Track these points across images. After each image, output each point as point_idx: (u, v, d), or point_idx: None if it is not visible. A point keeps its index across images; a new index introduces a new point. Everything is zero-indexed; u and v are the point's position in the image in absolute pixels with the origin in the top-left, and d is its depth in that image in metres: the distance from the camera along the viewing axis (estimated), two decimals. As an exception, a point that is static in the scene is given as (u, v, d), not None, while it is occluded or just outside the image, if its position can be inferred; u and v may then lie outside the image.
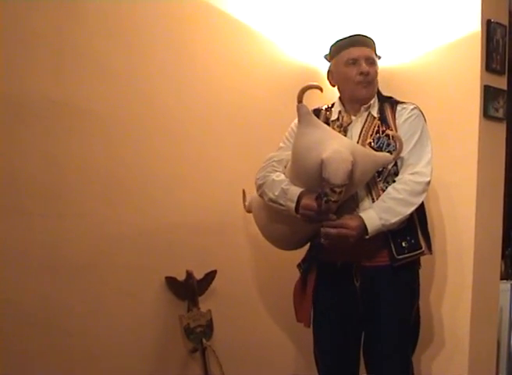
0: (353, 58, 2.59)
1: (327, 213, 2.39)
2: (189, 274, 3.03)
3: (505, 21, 3.17)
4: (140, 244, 2.93)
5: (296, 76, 3.48)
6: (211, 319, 3.07)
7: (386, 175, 2.54)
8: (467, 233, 3.07)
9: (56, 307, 2.69)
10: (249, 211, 3.00)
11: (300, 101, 2.49)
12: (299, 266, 2.75)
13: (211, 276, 3.11)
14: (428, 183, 2.55)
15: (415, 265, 2.66)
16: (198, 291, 3.05)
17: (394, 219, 2.46)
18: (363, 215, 2.45)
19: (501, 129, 3.19)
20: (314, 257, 2.66)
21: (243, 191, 3.07)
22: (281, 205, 2.52)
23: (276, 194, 2.52)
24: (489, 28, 3.07)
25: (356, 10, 3.49)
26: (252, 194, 2.91)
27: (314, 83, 2.59)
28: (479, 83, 3.05)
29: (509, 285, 3.71)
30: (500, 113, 3.13)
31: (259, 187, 2.63)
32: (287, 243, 2.75)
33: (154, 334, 3.00)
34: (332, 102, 2.76)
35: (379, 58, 2.70)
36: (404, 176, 2.53)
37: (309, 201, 2.41)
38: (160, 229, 3.00)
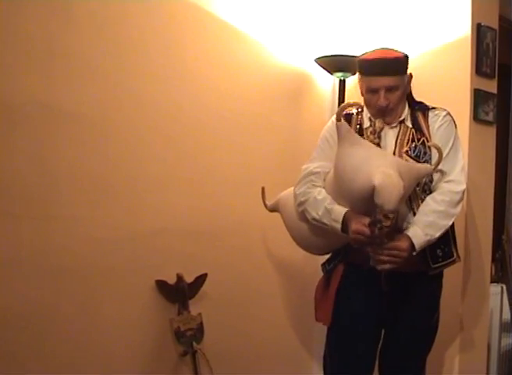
0: (372, 88, 2.52)
1: (381, 238, 2.37)
2: (179, 277, 3.02)
3: (495, 25, 3.19)
4: (130, 247, 2.92)
5: (285, 78, 3.48)
6: (201, 323, 3.06)
7: (423, 184, 2.52)
8: (458, 237, 3.07)
9: (46, 310, 2.68)
10: (273, 210, 2.96)
11: (339, 119, 2.45)
12: (323, 265, 2.73)
13: (201, 279, 3.10)
14: (464, 191, 2.54)
15: (441, 273, 2.66)
16: (189, 294, 3.05)
17: (438, 233, 2.44)
18: (409, 233, 2.42)
19: (491, 132, 3.21)
20: (341, 257, 2.64)
21: (263, 189, 3.02)
22: (325, 224, 2.50)
23: (320, 213, 2.50)
24: (479, 32, 3.08)
25: (346, 14, 3.49)
26: (280, 194, 2.88)
27: (354, 101, 2.56)
28: (469, 87, 3.07)
29: (499, 288, 3.72)
30: (490, 117, 3.15)
31: (301, 204, 2.60)
32: (321, 250, 2.75)
33: (145, 338, 2.98)
34: (361, 104, 2.66)
35: (407, 75, 2.59)
36: (441, 186, 2.50)
37: (360, 226, 2.37)
38: (150, 232, 2.98)
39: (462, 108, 3.07)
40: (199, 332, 3.05)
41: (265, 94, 3.41)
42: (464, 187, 2.54)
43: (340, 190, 2.47)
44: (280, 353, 3.46)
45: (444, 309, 3.10)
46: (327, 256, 2.74)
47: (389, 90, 2.50)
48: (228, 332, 3.22)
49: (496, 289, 3.66)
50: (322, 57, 3.34)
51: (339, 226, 2.45)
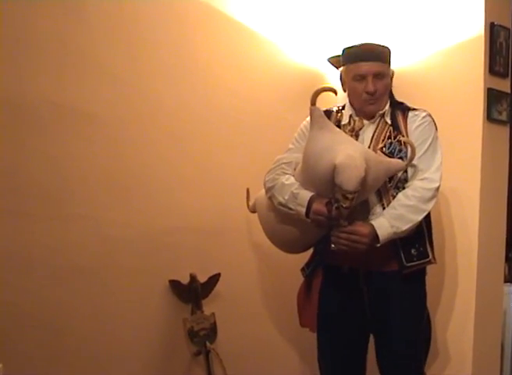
0: (360, 74, 2.53)
1: (338, 219, 2.37)
2: (193, 277, 3.03)
3: (508, 24, 3.17)
4: (143, 247, 2.94)
5: (297, 78, 3.49)
6: (214, 323, 3.07)
7: (397, 181, 2.52)
8: (471, 237, 3.07)
9: (60, 310, 2.70)
10: (253, 211, 2.98)
11: (313, 103, 2.46)
12: (303, 270, 2.74)
13: (214, 279, 3.11)
14: (438, 188, 2.53)
15: (422, 272, 2.65)
16: (202, 294, 3.06)
17: (405, 227, 2.44)
18: (374, 222, 2.43)
19: (504, 132, 3.19)
20: (319, 261, 2.65)
21: (247, 190, 3.04)
22: (290, 209, 2.49)
23: (286, 198, 2.49)
24: (493, 31, 3.06)
25: (359, 13, 3.50)
26: (257, 194, 2.90)
27: (328, 86, 2.56)
28: (482, 86, 3.05)
29: (512, 288, 3.71)
30: (504, 116, 3.13)
31: (268, 190, 2.60)
32: (293, 246, 2.73)
33: (158, 337, 3.00)
34: (343, 104, 2.70)
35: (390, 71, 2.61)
36: (414, 183, 2.51)
37: (320, 207, 2.38)
38: (164, 232, 3.00)
39: (475, 108, 3.06)
40: (212, 332, 3.06)
41: (278, 94, 3.41)
42: (437, 184, 2.53)
43: (307, 173, 2.47)
44: (294, 353, 3.47)
45: (457, 309, 3.12)
46: (303, 260, 2.74)
47: (377, 76, 2.52)
48: (241, 332, 3.22)
49: (509, 289, 3.64)
50: (335, 56, 3.34)
51: (303, 210, 2.44)
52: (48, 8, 2.68)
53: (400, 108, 2.63)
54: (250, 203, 3.00)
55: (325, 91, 2.52)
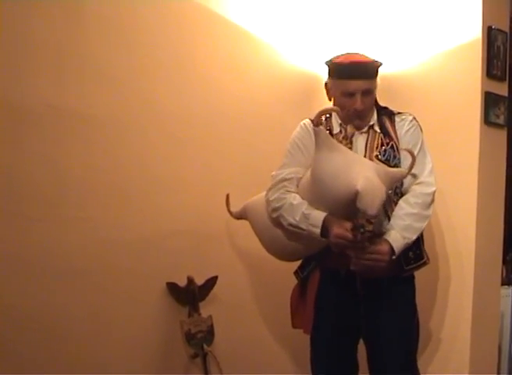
0: (349, 92, 2.54)
1: (363, 243, 2.40)
2: (190, 280, 3.03)
3: (506, 27, 3.18)
4: (141, 249, 2.94)
5: (295, 81, 3.49)
6: (212, 325, 3.07)
7: (395, 187, 2.56)
8: (468, 239, 3.08)
9: (57, 312, 2.69)
10: (238, 218, 2.99)
11: (317, 124, 2.48)
12: (296, 273, 2.75)
13: (212, 281, 3.11)
14: (434, 192, 2.58)
15: (413, 275, 2.69)
16: (199, 296, 3.06)
17: (414, 236, 2.50)
18: (388, 238, 2.46)
19: (502, 135, 3.20)
20: (316, 264, 2.66)
21: (227, 196, 3.06)
22: (302, 229, 2.52)
23: (297, 219, 2.51)
24: (490, 34, 3.07)
25: (357, 16, 3.50)
26: (246, 201, 2.91)
27: (332, 107, 2.60)
28: (480, 90, 3.06)
29: (510, 291, 3.70)
30: (501, 120, 3.14)
31: (275, 210, 2.61)
32: (291, 256, 2.75)
33: (155, 340, 3.00)
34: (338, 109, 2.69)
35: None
36: (413, 188, 2.55)
37: (342, 231, 2.41)
38: (161, 234, 3.00)
39: (473, 111, 3.07)
40: (209, 334, 3.06)
41: (276, 97, 3.41)
42: (434, 188, 2.58)
43: (318, 195, 2.49)
44: (291, 355, 3.46)
45: (454, 312, 3.12)
46: (298, 263, 2.76)
47: (365, 93, 2.55)
48: (238, 334, 3.22)
49: (506, 291, 3.65)
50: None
51: (318, 230, 2.47)
52: (46, 12, 2.68)
53: (386, 114, 2.66)
54: (238, 209, 3.00)
55: (328, 111, 2.59)
